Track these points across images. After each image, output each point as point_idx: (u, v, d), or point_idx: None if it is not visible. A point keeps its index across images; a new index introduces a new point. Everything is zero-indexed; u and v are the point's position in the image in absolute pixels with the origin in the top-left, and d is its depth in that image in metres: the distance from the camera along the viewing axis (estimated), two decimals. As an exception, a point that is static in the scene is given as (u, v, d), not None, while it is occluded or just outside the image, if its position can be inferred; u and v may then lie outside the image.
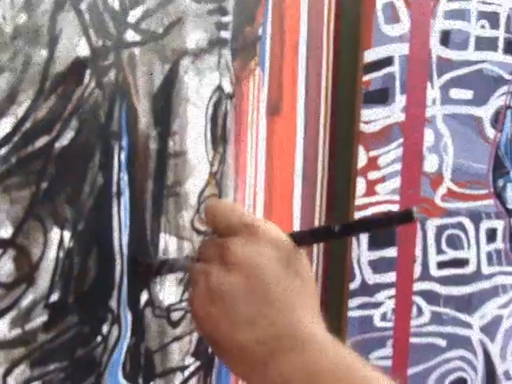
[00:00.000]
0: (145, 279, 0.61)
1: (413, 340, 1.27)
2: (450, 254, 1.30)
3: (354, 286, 1.16)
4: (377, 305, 1.21)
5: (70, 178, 0.52)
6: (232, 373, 0.59)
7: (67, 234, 0.52)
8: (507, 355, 1.44)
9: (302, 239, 0.49)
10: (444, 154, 1.25)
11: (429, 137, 1.23)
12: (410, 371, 1.28)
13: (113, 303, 0.57)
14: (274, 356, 0.44)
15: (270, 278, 0.45)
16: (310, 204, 1.00)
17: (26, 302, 0.48)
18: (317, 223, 1.04)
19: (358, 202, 1.13)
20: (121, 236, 0.57)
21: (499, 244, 1.37)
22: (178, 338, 0.68)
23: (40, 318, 0.49)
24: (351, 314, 1.16)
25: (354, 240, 1.13)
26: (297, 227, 0.96)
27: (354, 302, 1.17)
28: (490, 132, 1.31)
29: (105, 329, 0.57)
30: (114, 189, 0.56)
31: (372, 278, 1.19)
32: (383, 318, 1.22)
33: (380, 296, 1.21)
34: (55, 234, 0.50)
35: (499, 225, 1.36)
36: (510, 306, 1.42)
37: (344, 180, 1.10)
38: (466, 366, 1.36)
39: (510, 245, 1.38)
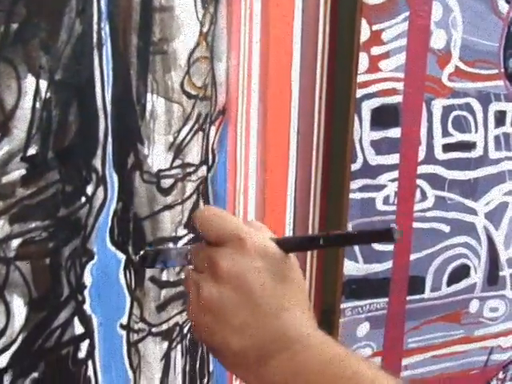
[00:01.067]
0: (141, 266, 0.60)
1: (416, 225, 1.26)
2: (457, 136, 1.27)
3: (355, 167, 1.14)
4: (379, 187, 1.19)
5: (44, 22, 0.48)
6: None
7: (44, 83, 0.49)
8: (511, 243, 1.44)
9: (289, 247, 0.50)
10: (453, 29, 1.20)
11: (437, 10, 1.17)
12: (413, 257, 1.27)
13: (97, 163, 0.55)
14: (267, 359, 0.47)
15: (257, 288, 0.47)
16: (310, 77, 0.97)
17: (1, 152, 0.46)
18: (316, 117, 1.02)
19: (361, 78, 1.09)
20: (104, 92, 0.54)
21: (508, 128, 1.34)
22: (168, 207, 0.66)
23: (18, 172, 0.47)
24: (353, 196, 1.15)
25: (356, 119, 1.10)
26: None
27: (355, 184, 1.15)
28: (504, 7, 1.25)
29: (89, 190, 0.55)
30: (95, 39, 0.53)
31: (374, 160, 1.16)
32: (386, 201, 1.20)
33: (382, 178, 1.19)
34: (30, 82, 0.48)
35: (509, 107, 1.32)
36: (517, 192, 1.41)
37: (346, 55, 1.05)
38: (470, 253, 1.36)
39: (519, 129, 1.35)
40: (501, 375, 1.55)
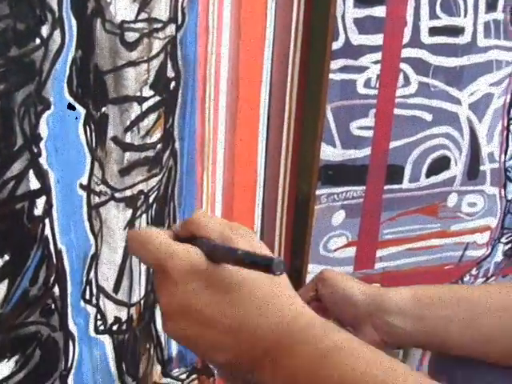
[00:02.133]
0: None
1: (397, 111, 1.23)
2: (445, 20, 1.23)
3: (336, 45, 1.10)
4: (361, 69, 1.15)
5: None
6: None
7: None
8: (494, 137, 1.43)
9: (215, 259, 0.47)
10: None
11: None
12: (392, 145, 1.26)
13: (53, 2, 0.51)
14: (256, 368, 0.47)
15: (204, 308, 0.46)
16: None
17: None
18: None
19: None
20: None
21: (499, 14, 1.30)
22: (133, 63, 0.63)
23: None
24: (333, 76, 1.11)
25: (339, -7, 1.06)
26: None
27: (336, 64, 1.11)
28: None
29: (44, 31, 0.52)
30: None
31: (357, 39, 1.12)
32: (367, 84, 1.17)
33: (365, 60, 1.15)
34: None
35: (501, -9, 1.28)
36: (503, 84, 1.38)
37: None
38: (451, 145, 1.35)
39: (511, 16, 1.31)
40: (474, 271, 1.57)
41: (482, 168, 1.44)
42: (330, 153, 1.18)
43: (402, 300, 0.67)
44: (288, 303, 0.48)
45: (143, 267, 0.73)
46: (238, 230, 0.51)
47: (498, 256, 1.66)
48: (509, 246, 1.68)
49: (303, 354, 0.45)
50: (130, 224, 0.68)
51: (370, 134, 1.21)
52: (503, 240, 1.64)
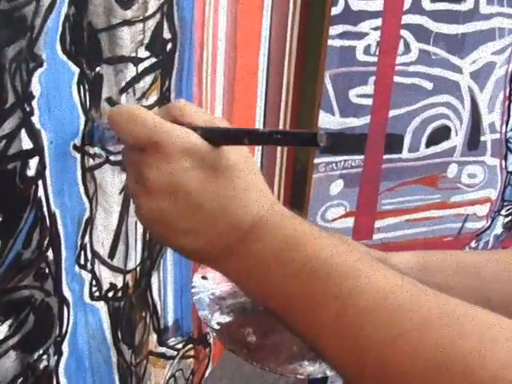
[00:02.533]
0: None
1: (397, 79, 1.22)
2: (446, -15, 1.22)
3: (336, 11, 1.09)
4: (360, 35, 1.14)
5: None
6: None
7: None
8: (495, 107, 1.42)
9: (214, 140, 0.48)
10: None
11: None
12: (392, 113, 1.25)
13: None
14: (226, 255, 0.47)
15: (192, 188, 0.46)
16: None
17: None
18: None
19: None
20: None
21: (502, -20, 1.29)
22: (128, 22, 0.62)
23: None
24: (332, 43, 1.10)
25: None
26: None
27: (335, 30, 1.10)
28: None
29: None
30: None
31: (357, 4, 1.11)
32: (366, 51, 1.16)
33: (364, 26, 1.14)
34: None
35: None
36: (505, 53, 1.37)
37: None
38: (452, 114, 1.34)
39: (514, -17, 1.30)
40: (473, 244, 1.57)
41: (482, 138, 1.43)
42: (329, 121, 1.17)
43: (406, 265, 0.67)
44: (266, 194, 0.49)
45: (139, 233, 0.73)
46: (223, 121, 0.52)
47: (498, 228, 1.66)
48: (509, 218, 1.68)
49: (271, 238, 0.46)
50: (126, 189, 0.68)
51: (369, 102, 1.20)
52: (503, 212, 1.64)
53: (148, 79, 0.67)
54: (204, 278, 0.76)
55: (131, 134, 0.48)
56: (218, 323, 0.69)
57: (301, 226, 0.47)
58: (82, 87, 0.57)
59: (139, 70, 0.65)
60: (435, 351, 0.37)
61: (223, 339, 0.67)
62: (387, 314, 0.40)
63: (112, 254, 0.68)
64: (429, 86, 1.27)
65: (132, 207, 0.69)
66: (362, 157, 1.26)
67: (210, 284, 0.76)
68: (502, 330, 0.38)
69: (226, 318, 0.70)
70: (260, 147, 1.07)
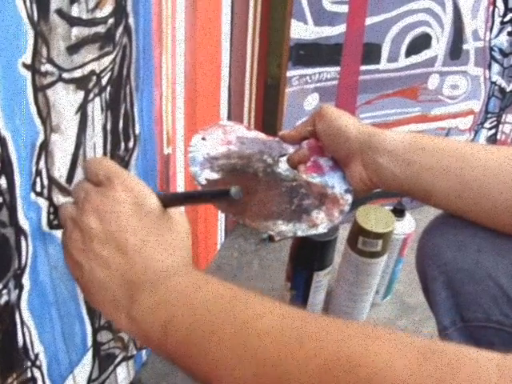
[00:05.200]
0: None
1: (374, -17, 1.20)
2: None
3: None
4: None
5: None
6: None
7: None
8: (479, 13, 1.40)
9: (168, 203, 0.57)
10: None
11: None
12: (369, 21, 1.22)
13: None
14: (136, 295, 0.52)
15: (126, 226, 0.53)
16: None
17: None
18: None
19: None
20: None
21: None
22: None
23: None
24: None
25: None
26: None
27: None
28: None
29: None
30: None
31: None
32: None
33: None
34: None
35: None
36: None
37: None
38: (432, 21, 1.32)
39: None
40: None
41: (465, 47, 1.42)
42: (302, 30, 1.14)
43: (395, 141, 0.69)
44: (188, 254, 0.56)
45: (99, 155, 0.72)
46: None
47: (482, 142, 1.66)
48: (493, 131, 1.68)
49: (180, 283, 0.52)
50: (83, 108, 0.66)
51: (344, 9, 1.18)
52: (487, 125, 1.64)
53: (101, -13, 0.65)
54: (204, 139, 0.80)
55: (95, 167, 0.60)
56: (206, 179, 0.74)
57: (207, 279, 0.53)
58: (28, -3, 0.54)
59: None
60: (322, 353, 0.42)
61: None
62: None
63: (70, 179, 0.67)
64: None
65: (90, 127, 0.68)
66: (338, 68, 1.25)
67: (208, 145, 0.80)
68: (385, 333, 0.43)
69: (214, 176, 0.74)
70: (227, 62, 1.05)
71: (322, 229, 0.72)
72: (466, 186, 0.65)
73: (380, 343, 0.41)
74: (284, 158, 0.81)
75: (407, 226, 1.18)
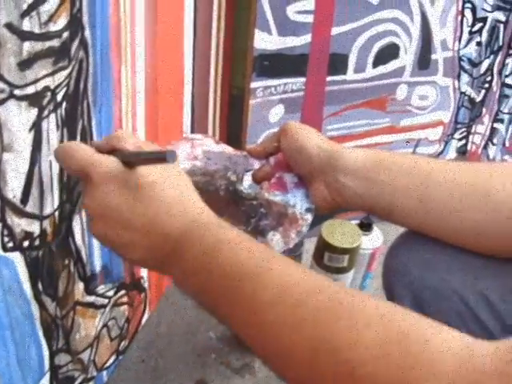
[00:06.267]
0: None
1: (340, -7, 1.21)
2: None
3: None
4: None
5: None
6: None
7: None
8: (447, 22, 1.41)
9: (128, 162, 0.57)
10: None
11: None
12: (335, 31, 1.23)
13: None
14: (164, 262, 0.56)
15: (120, 206, 0.55)
16: None
17: None
18: None
19: None
20: None
21: None
22: None
23: None
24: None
25: None
26: None
27: None
28: None
29: None
30: None
31: None
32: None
33: None
34: None
35: None
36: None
37: None
38: (400, 31, 1.33)
39: None
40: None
41: (433, 57, 1.43)
42: (266, 41, 1.14)
43: (356, 160, 0.69)
44: (191, 205, 0.57)
45: (55, 174, 0.70)
46: (151, 145, 0.61)
47: (452, 153, 1.68)
48: (462, 142, 1.70)
49: (195, 248, 0.53)
50: (37, 126, 0.65)
51: (309, 19, 1.18)
52: (456, 136, 1.66)
53: (54, 0, 0.64)
54: None
55: (70, 168, 0.58)
56: None
57: (223, 234, 0.54)
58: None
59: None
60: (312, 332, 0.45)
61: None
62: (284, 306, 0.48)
63: (25, 200, 0.66)
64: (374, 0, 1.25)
65: (45, 145, 0.67)
66: (304, 79, 1.24)
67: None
68: (377, 317, 0.45)
69: None
70: (190, 73, 1.05)
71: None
72: (426, 203, 0.66)
73: None
74: (249, 174, 0.81)
75: (375, 240, 1.18)
